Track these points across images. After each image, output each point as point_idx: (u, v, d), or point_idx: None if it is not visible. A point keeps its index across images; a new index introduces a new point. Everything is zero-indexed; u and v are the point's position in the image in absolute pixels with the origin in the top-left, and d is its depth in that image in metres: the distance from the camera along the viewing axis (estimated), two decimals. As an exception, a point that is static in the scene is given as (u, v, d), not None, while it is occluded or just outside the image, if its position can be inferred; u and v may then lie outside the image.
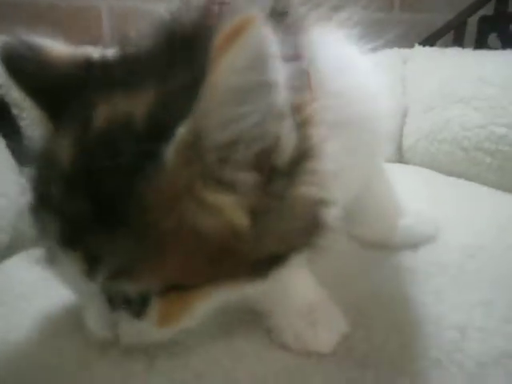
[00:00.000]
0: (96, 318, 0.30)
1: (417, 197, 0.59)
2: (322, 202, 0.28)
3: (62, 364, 0.33)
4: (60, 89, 0.30)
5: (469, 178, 0.74)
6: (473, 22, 1.30)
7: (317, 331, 0.36)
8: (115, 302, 0.29)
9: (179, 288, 0.28)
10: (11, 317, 0.39)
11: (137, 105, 0.26)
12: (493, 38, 1.25)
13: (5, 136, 0.64)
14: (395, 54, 1.05)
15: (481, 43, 1.27)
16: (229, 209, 0.26)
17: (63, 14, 1.07)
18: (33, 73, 0.31)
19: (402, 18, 1.41)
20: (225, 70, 0.22)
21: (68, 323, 0.36)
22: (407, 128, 0.92)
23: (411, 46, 1.34)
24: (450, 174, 0.78)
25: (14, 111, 0.71)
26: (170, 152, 0.24)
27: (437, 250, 0.47)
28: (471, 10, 1.27)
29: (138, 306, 0.29)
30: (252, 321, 0.37)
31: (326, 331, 0.36)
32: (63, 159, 0.27)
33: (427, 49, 1.04)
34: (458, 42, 1.30)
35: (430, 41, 1.34)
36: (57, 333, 0.36)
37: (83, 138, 0.27)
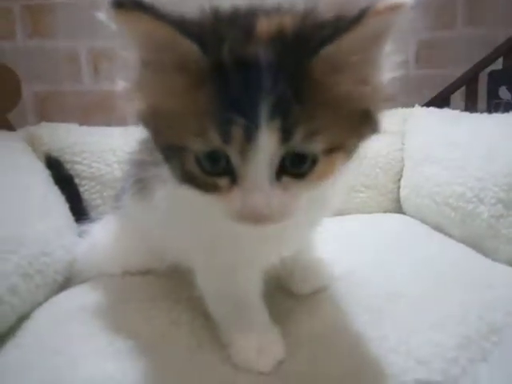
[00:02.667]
0: (261, 195, 0.35)
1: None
2: None
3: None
4: (200, 24, 0.35)
5: (441, 230, 0.84)
6: (484, 75, 1.39)
7: (261, 356, 0.50)
8: (281, 171, 0.36)
9: (333, 150, 0.37)
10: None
11: (288, 20, 0.36)
12: (503, 90, 1.33)
13: (67, 200, 0.87)
14: (398, 113, 1.16)
15: (492, 95, 1.35)
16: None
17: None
18: (174, 16, 0.34)
19: (418, 75, 1.53)
20: (373, 23, 0.33)
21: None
22: (403, 181, 1.04)
23: (427, 99, 1.46)
24: (431, 224, 0.89)
25: (76, 180, 0.95)
26: (316, 59, 0.34)
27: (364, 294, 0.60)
28: (481, 66, 1.37)
29: (308, 165, 0.36)
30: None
31: (268, 357, 0.50)
32: (254, 55, 0.34)
33: (424, 109, 1.14)
34: (471, 94, 1.40)
35: (444, 94, 1.44)
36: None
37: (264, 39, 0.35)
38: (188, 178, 0.38)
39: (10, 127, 1.05)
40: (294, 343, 0.52)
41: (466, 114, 0.99)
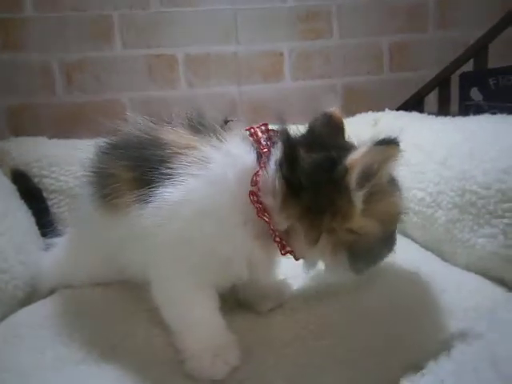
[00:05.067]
0: None
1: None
2: None
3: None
4: None
5: (405, 234, 0.85)
6: (456, 77, 1.40)
7: (215, 362, 0.50)
8: None
9: None
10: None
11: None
12: (475, 91, 1.34)
13: (34, 213, 0.87)
14: (368, 117, 1.17)
15: (464, 97, 1.36)
16: None
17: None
18: None
19: (392, 78, 1.54)
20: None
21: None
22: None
23: (401, 102, 1.47)
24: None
25: (44, 194, 0.95)
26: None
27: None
28: (453, 68, 1.38)
29: None
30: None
31: (222, 363, 0.50)
32: None
33: (394, 112, 1.15)
34: (444, 96, 1.41)
35: (418, 96, 1.46)
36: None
37: None
38: None
39: (-20, 142, 1.05)
40: (246, 350, 0.52)
41: (431, 117, 1.00)
